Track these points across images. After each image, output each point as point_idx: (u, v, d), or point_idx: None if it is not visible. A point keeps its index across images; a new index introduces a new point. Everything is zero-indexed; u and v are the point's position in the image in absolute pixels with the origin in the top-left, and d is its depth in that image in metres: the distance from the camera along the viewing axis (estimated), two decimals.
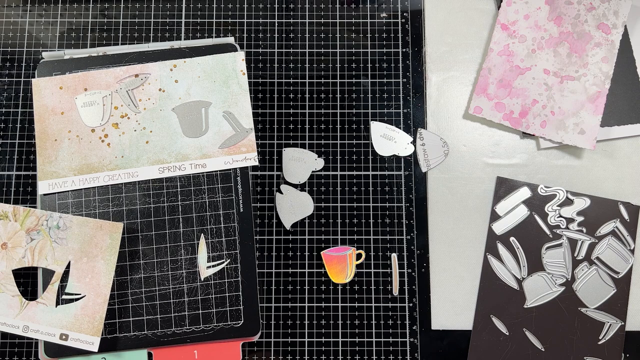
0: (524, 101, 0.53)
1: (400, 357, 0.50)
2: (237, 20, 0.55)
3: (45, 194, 0.49)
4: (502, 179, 0.53)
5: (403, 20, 0.56)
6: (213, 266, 0.49)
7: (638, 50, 0.54)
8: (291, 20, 0.55)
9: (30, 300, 0.47)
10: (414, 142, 0.54)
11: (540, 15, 0.54)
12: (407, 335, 0.50)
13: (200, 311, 0.48)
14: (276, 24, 0.55)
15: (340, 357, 0.50)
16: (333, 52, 0.55)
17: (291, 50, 0.55)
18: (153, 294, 0.48)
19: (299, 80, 0.54)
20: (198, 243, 0.49)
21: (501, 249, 0.52)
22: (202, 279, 0.49)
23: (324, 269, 0.51)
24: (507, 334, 0.50)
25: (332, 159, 0.53)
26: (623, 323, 0.50)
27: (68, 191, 0.50)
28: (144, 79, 0.51)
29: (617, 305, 0.51)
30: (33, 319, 0.46)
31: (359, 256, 0.52)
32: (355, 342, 0.50)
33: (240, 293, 0.49)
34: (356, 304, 0.51)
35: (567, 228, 0.52)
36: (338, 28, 0.55)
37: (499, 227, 0.52)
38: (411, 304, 0.51)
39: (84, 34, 0.55)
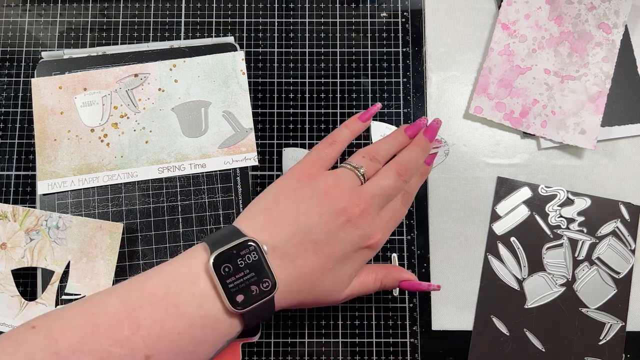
0: (524, 101, 0.53)
1: (400, 358, 0.50)
2: (237, 20, 0.55)
3: (44, 194, 0.49)
4: (502, 179, 0.53)
5: (403, 19, 0.55)
6: None
7: (639, 49, 0.54)
8: (291, 20, 0.55)
9: (29, 300, 0.47)
10: None
11: (541, 14, 0.54)
12: (408, 335, 0.50)
13: None
14: (276, 24, 0.55)
15: (340, 357, 0.50)
16: (333, 52, 0.55)
17: (291, 50, 0.55)
18: None
19: (299, 80, 0.54)
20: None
21: (502, 249, 0.52)
22: None
23: None
24: (508, 334, 0.50)
25: None
26: (624, 323, 0.50)
27: (67, 191, 0.50)
28: (144, 79, 0.51)
29: (618, 305, 0.50)
30: None
31: None
32: (355, 342, 0.50)
33: None
34: (356, 304, 0.51)
35: (567, 228, 0.52)
36: (338, 28, 0.55)
37: (500, 227, 0.52)
38: (411, 305, 0.51)
39: (84, 34, 0.55)
